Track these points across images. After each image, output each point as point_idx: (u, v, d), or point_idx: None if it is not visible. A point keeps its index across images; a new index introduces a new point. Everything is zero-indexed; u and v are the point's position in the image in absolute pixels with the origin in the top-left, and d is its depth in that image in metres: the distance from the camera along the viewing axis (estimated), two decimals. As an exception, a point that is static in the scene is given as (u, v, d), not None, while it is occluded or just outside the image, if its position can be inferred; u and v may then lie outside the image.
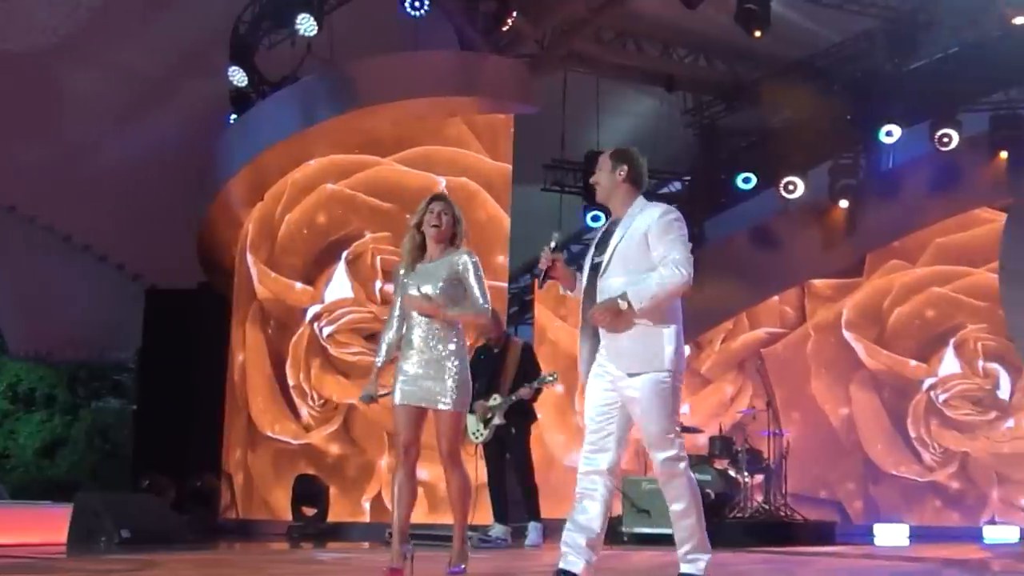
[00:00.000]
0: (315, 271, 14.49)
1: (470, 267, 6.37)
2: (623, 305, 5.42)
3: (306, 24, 14.29)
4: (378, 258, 14.20)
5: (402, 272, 6.50)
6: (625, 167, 5.74)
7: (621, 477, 5.74)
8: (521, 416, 10.62)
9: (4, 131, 16.62)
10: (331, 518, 13.48)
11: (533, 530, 10.66)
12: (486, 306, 6.45)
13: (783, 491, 13.31)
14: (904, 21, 15.79)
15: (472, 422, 10.15)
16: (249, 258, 15.09)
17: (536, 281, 6.05)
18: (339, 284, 14.35)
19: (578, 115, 16.62)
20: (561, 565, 5.53)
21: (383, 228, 14.23)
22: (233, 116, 16.03)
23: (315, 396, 14.29)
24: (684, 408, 15.10)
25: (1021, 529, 15.69)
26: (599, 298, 5.56)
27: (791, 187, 16.84)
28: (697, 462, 11.54)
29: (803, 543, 11.96)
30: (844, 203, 17.16)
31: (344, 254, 14.34)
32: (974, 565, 9.16)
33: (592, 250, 5.73)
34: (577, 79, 16.63)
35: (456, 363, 6.35)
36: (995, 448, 16.52)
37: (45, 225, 18.55)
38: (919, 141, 16.62)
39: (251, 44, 15.79)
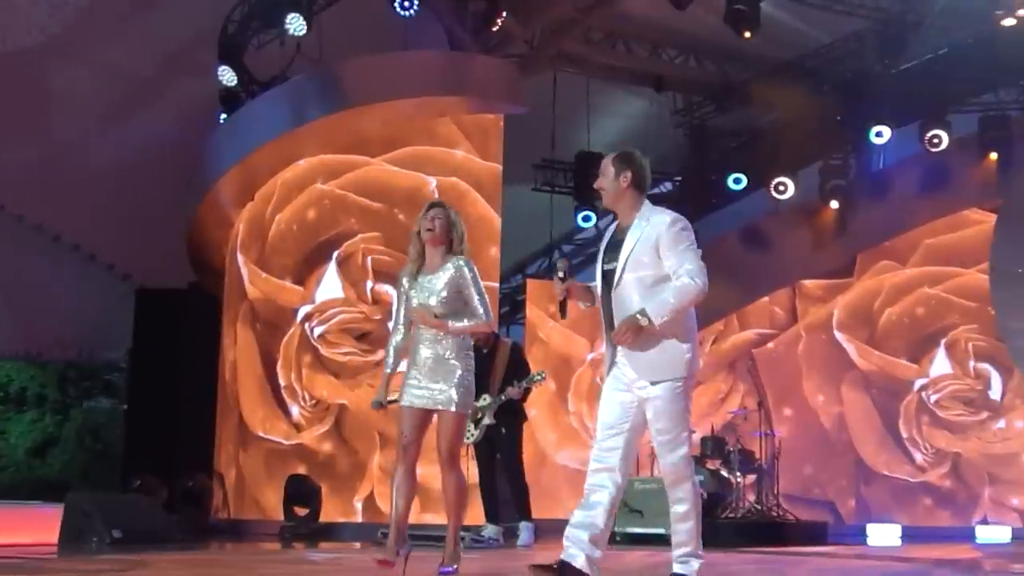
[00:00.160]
0: (306, 271, 14.46)
1: (469, 279, 6.50)
2: (643, 322, 5.50)
3: (295, 24, 14.28)
4: (368, 258, 14.18)
5: (405, 281, 6.61)
6: (629, 173, 5.77)
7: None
8: (511, 416, 10.64)
9: (-7, 130, 16.61)
10: (323, 518, 13.45)
11: (524, 530, 10.67)
12: (488, 318, 6.58)
13: (775, 491, 13.31)
14: (894, 22, 15.83)
15: (463, 422, 10.14)
16: (239, 258, 15.06)
17: (558, 311, 6.11)
18: (330, 284, 14.32)
19: (568, 115, 16.64)
20: (562, 556, 5.58)
21: (373, 228, 14.21)
22: (223, 116, 16.00)
23: (306, 396, 14.26)
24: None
25: (1013, 529, 15.73)
26: (615, 309, 5.66)
27: (781, 188, 16.87)
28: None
29: (795, 543, 11.96)
30: (834, 204, 17.19)
31: (335, 254, 14.31)
32: (966, 565, 9.17)
33: (602, 256, 5.81)
34: (567, 79, 16.65)
35: (461, 366, 6.52)
36: (986, 448, 16.53)
37: (34, 224, 18.51)
38: (909, 142, 16.67)
39: (240, 43, 15.77)
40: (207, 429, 15.64)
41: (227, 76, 15.54)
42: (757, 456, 13.32)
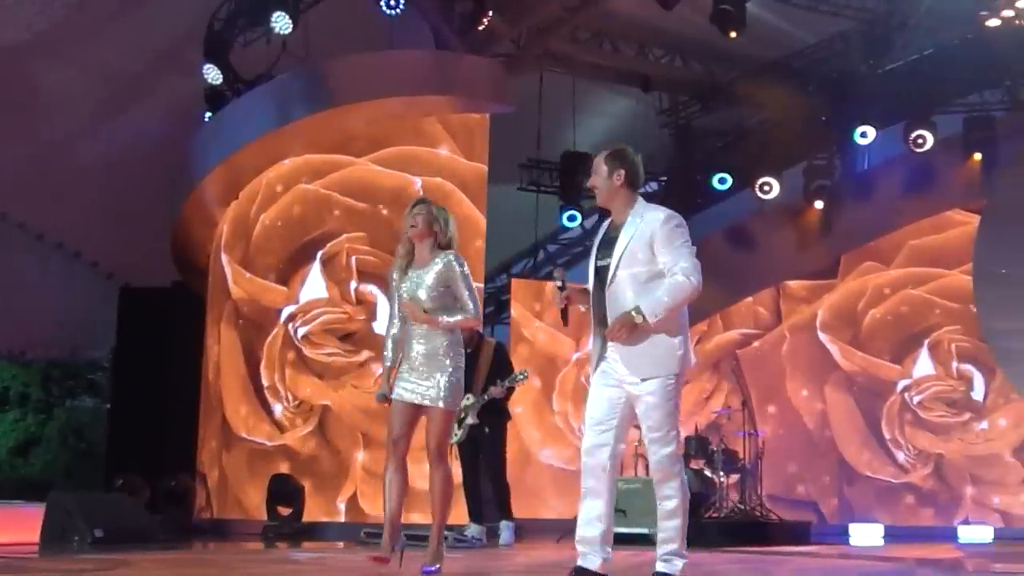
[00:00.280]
0: (290, 271, 14.42)
1: (458, 274, 6.60)
2: (638, 319, 5.51)
3: (281, 22, 14.23)
4: (353, 258, 14.15)
5: (395, 277, 6.71)
6: (622, 171, 5.79)
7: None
8: (495, 416, 10.65)
9: (-24, 128, 16.52)
10: (306, 518, 13.43)
11: (506, 529, 10.70)
12: (476, 312, 6.68)
13: (758, 491, 13.34)
14: (879, 23, 15.87)
15: (446, 422, 10.14)
16: (224, 257, 15.02)
17: (560, 319, 6.13)
18: (314, 284, 14.28)
19: (554, 115, 16.64)
20: (580, 563, 5.60)
21: (358, 228, 14.19)
22: (208, 114, 15.96)
23: (290, 397, 14.23)
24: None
25: (995, 529, 15.79)
26: (608, 306, 5.67)
27: (766, 188, 16.90)
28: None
29: (778, 543, 11.99)
30: (819, 204, 17.19)
31: (319, 254, 14.27)
32: (948, 565, 9.19)
33: (595, 252, 5.83)
34: (553, 79, 16.65)
35: (451, 363, 6.57)
36: (969, 449, 16.56)
37: (18, 222, 18.41)
38: (894, 142, 16.70)
39: (226, 42, 15.71)
40: (190, 429, 15.58)
41: (212, 74, 15.48)
42: (741, 456, 13.33)
